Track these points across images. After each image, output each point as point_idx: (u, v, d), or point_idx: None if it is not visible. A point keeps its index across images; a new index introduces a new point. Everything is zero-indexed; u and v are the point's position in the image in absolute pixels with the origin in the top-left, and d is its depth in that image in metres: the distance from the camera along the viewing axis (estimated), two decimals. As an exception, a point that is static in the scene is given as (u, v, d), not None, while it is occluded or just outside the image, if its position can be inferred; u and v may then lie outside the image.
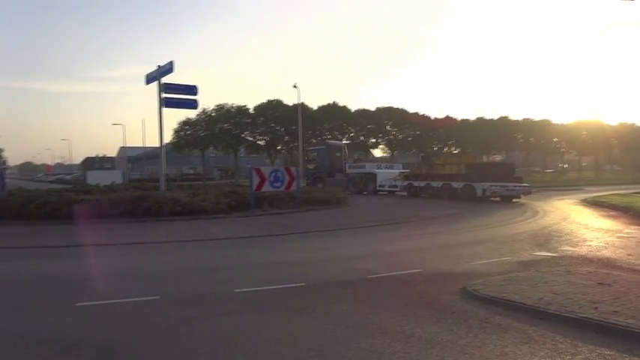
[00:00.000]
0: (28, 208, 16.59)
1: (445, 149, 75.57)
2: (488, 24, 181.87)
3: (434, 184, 26.01)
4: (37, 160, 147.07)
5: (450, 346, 4.60)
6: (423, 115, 73.74)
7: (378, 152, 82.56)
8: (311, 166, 36.16)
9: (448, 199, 23.76)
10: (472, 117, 76.68)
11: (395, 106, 72.34)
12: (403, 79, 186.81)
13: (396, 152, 75.88)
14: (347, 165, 34.16)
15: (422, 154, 54.42)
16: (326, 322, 5.31)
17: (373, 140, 73.44)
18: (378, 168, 32.70)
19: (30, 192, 19.89)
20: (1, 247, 11.88)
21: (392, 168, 33.72)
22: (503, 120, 73.32)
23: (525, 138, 72.88)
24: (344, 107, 69.47)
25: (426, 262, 8.56)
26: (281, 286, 6.90)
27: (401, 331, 5.01)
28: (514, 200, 23.46)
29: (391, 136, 73.00)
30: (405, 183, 28.14)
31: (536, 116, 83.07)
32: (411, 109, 73.72)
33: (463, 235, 12.32)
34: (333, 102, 69.28)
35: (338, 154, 35.39)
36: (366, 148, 75.48)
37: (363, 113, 69.83)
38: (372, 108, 71.61)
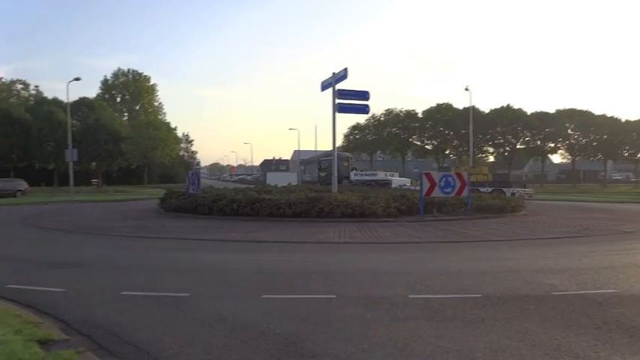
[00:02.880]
0: (218, 205, 18.50)
1: (639, 155, 66.95)
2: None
3: None
4: (223, 162, 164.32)
5: (659, 381, 4.02)
6: (612, 117, 66.15)
7: (556, 158, 76.44)
8: (322, 174, 40.43)
9: None
10: (674, 118, 66.65)
11: (578, 107, 65.83)
12: (586, 78, 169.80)
13: (578, 158, 69.23)
14: (353, 173, 38.50)
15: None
16: (508, 338, 5.00)
17: (551, 145, 67.91)
18: (386, 176, 38.30)
19: (219, 191, 22.14)
20: (200, 239, 13.49)
21: (393, 176, 39.45)
22: None
23: None
24: (519, 110, 65.40)
25: (621, 282, 7.62)
26: (456, 296, 6.68)
27: (596, 357, 4.50)
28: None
29: (573, 141, 66.75)
30: None
31: None
32: (597, 111, 66.43)
33: (667, 254, 10.74)
34: (507, 104, 65.55)
35: (345, 164, 39.42)
36: (543, 154, 70.09)
37: (540, 116, 64.90)
38: (552, 110, 65.99)
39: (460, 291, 6.95)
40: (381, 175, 38.50)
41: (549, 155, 73.56)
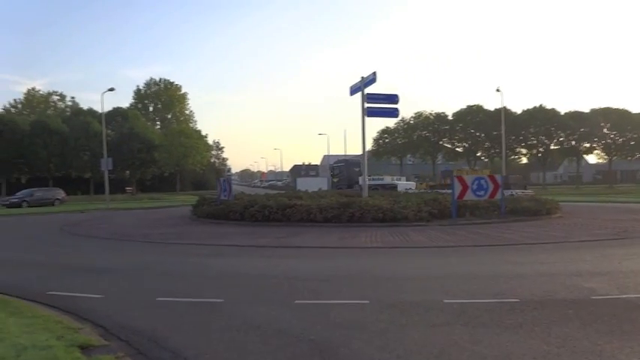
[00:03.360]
0: (249, 211, 18.63)
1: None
2: None
3: None
4: (254, 168, 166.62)
5: None
6: (650, 114, 64.22)
7: (592, 158, 74.62)
8: (335, 180, 43.64)
9: None
10: None
11: (614, 106, 64.07)
12: (622, 76, 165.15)
13: (615, 158, 67.35)
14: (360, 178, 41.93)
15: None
16: (547, 343, 4.87)
17: (587, 145, 66.26)
18: (393, 180, 41.39)
19: (251, 197, 22.32)
20: (232, 245, 13.63)
21: (400, 180, 42.17)
22: None
23: None
24: (552, 110, 64.07)
25: (665, 286, 7.36)
26: (492, 300, 6.56)
27: (642, 364, 4.36)
28: None
29: (609, 140, 64.99)
30: (430, 191, 32.00)
31: None
32: (634, 109, 64.57)
33: None
34: (540, 105, 64.27)
35: (357, 169, 41.98)
36: (578, 154, 68.49)
37: (574, 116, 63.43)
38: (586, 109, 64.41)
39: (496, 295, 6.82)
40: (387, 180, 40.95)
41: (585, 156, 71.88)
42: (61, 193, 44.09)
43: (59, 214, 31.10)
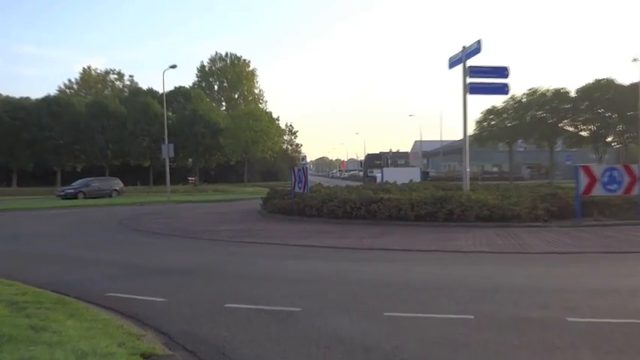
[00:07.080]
0: (328, 206, 18.82)
1: None
2: None
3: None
4: (332, 156, 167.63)
5: None
6: None
7: None
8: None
9: None
10: None
11: None
12: None
13: None
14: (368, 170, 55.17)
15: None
16: None
17: None
18: (377, 173, 50.70)
19: (329, 189, 22.51)
20: (309, 245, 13.83)
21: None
22: None
23: None
24: None
25: None
26: (629, 321, 6.23)
27: None
28: None
29: None
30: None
31: None
32: None
33: None
34: (693, 76, 59.58)
35: (378, 162, 56.23)
36: None
37: None
38: None
39: (635, 315, 6.47)
40: (376, 172, 51.23)
41: None
42: (118, 184, 46.59)
43: (117, 206, 32.94)
